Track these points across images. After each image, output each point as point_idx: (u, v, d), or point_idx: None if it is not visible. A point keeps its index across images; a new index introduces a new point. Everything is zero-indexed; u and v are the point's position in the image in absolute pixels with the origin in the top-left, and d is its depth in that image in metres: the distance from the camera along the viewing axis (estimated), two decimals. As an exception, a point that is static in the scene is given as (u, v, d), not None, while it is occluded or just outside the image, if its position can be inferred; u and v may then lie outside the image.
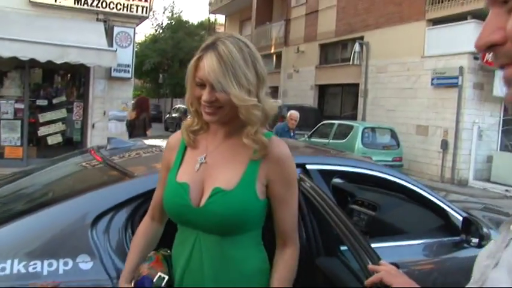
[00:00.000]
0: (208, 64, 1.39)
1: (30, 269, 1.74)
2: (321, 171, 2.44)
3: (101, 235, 1.87)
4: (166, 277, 1.50)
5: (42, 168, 2.95)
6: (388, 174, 2.78)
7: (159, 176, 1.67)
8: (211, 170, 1.51)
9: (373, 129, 12.68)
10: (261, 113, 1.45)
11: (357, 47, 16.65)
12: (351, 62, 16.89)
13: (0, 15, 9.32)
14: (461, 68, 12.69)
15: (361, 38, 17.08)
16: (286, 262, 1.55)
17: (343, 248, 2.25)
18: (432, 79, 13.58)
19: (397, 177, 2.81)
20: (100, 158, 2.51)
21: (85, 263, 1.83)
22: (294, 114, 8.48)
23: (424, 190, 2.87)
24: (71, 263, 1.80)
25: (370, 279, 1.41)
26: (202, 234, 1.48)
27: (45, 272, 1.76)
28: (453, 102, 12.96)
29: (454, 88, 12.88)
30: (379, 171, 2.75)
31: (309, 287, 2.18)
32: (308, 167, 2.40)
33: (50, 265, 1.78)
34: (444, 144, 13.14)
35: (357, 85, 17.43)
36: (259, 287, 1.53)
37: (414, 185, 2.85)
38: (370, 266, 1.52)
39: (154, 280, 1.50)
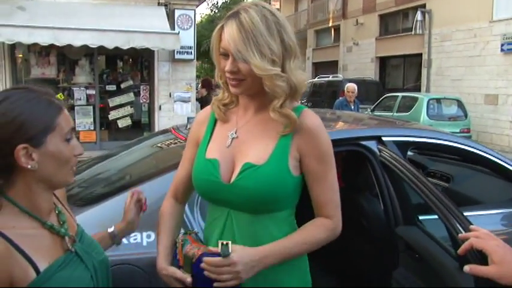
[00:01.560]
0: (229, 33, 1.35)
1: (132, 240, 1.91)
2: (396, 142, 2.47)
3: (187, 209, 2.00)
4: (229, 242, 1.35)
5: (127, 148, 3.16)
6: (464, 144, 2.76)
7: (184, 154, 1.61)
8: (242, 146, 1.45)
9: (438, 100, 12.27)
10: (287, 84, 1.38)
11: (418, 15, 16.03)
12: (412, 32, 16.28)
13: (69, 6, 9.80)
14: (534, 31, 12.00)
15: (423, 5, 16.43)
16: (314, 225, 1.46)
17: (421, 217, 2.29)
18: (502, 44, 12.89)
19: (473, 147, 2.78)
20: (183, 137, 2.66)
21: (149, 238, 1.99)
22: (351, 86, 8.47)
23: (500, 159, 2.82)
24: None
25: (461, 247, 1.38)
26: (234, 212, 1.44)
27: (144, 243, 1.92)
28: (526, 68, 12.31)
29: (527, 53, 12.22)
30: (454, 142, 2.74)
31: (388, 252, 2.24)
32: (384, 139, 2.44)
33: (148, 236, 1.94)
34: (516, 113, 12.56)
35: (419, 55, 16.85)
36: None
37: (490, 154, 2.81)
38: (460, 235, 1.50)
39: (220, 250, 1.34)
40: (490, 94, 13.48)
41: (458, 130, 11.38)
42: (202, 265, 1.32)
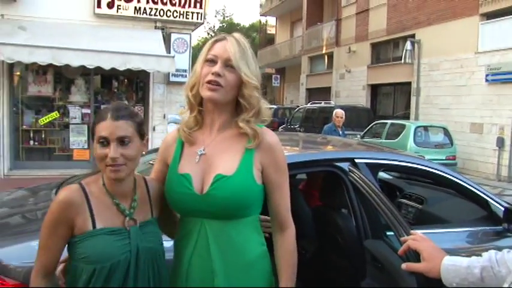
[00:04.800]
0: (230, 43, 1.59)
1: None
2: (368, 164, 2.71)
3: None
4: None
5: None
6: (432, 168, 3.00)
7: (154, 167, 1.82)
8: (210, 160, 1.62)
9: (425, 127, 12.61)
10: (258, 101, 1.62)
11: (408, 45, 16.50)
12: (402, 61, 16.75)
13: (69, 27, 10.09)
14: (517, 63, 12.39)
15: (413, 35, 16.95)
16: (288, 246, 1.68)
17: (388, 233, 2.51)
18: (486, 75, 13.33)
19: (440, 170, 3.02)
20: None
21: (166, 241, 2.20)
22: (339, 112, 8.75)
23: (467, 183, 3.06)
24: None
25: (401, 248, 1.64)
26: (207, 221, 1.59)
27: None
28: (510, 98, 12.66)
29: (511, 84, 12.60)
30: (422, 165, 2.98)
31: (358, 264, 2.46)
32: (357, 160, 2.68)
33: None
34: (500, 142, 12.86)
35: (409, 84, 17.30)
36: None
37: (457, 178, 3.05)
38: (402, 238, 1.73)
39: None
40: (476, 123, 13.84)
41: (444, 157, 11.67)
42: None
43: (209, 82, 1.57)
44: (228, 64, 1.57)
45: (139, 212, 1.62)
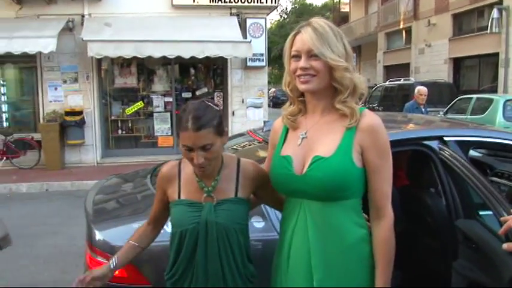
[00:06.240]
0: (307, 34, 1.61)
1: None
2: (458, 142, 2.63)
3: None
4: None
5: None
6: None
7: (268, 154, 1.90)
8: (311, 143, 1.65)
9: (516, 101, 11.81)
10: (351, 80, 1.62)
11: (495, 13, 15.44)
12: (488, 31, 15.73)
13: (149, 20, 10.52)
14: None
15: (500, 2, 15.87)
16: (384, 236, 1.62)
17: (481, 212, 2.44)
18: None
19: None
20: (260, 138, 2.97)
21: (258, 222, 2.30)
22: (422, 89, 8.41)
23: None
24: (247, 222, 2.26)
25: (501, 229, 1.59)
26: (307, 202, 1.63)
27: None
28: None
29: None
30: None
31: (450, 245, 2.41)
32: (446, 138, 2.61)
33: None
34: None
35: (496, 55, 16.27)
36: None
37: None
38: (502, 218, 1.67)
39: None
40: None
41: (538, 132, 10.86)
42: None
43: (300, 76, 1.63)
44: (311, 54, 1.60)
45: (220, 191, 1.76)
